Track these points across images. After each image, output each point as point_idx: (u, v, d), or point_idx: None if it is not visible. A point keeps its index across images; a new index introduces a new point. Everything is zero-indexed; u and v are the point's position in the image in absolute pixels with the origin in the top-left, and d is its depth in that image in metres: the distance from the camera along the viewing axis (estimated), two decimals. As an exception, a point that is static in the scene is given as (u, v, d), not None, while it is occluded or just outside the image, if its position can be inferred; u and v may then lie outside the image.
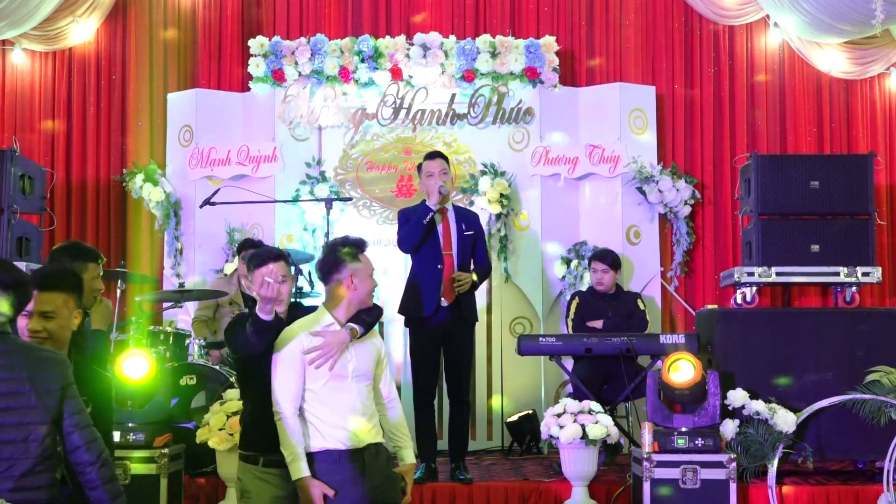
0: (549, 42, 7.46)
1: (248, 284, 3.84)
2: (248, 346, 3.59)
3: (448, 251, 5.47)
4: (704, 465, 5.07)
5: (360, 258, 3.69)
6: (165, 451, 4.95)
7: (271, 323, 3.54)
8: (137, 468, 4.90)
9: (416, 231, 5.43)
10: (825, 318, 5.92)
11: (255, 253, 3.81)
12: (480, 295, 6.32)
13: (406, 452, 3.88)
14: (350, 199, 7.19)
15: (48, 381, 2.86)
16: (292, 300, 3.91)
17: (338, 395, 3.59)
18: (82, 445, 2.92)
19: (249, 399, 3.82)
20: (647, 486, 5.05)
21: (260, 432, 3.66)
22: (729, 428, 5.29)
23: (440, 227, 5.51)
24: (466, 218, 5.66)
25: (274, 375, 3.59)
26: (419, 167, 5.67)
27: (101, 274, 3.93)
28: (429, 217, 5.42)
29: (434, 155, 5.64)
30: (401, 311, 5.67)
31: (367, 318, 3.71)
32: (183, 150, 7.56)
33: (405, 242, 5.55)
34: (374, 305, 3.81)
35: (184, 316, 6.98)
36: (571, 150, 7.38)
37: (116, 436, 4.80)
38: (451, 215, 5.59)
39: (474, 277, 5.51)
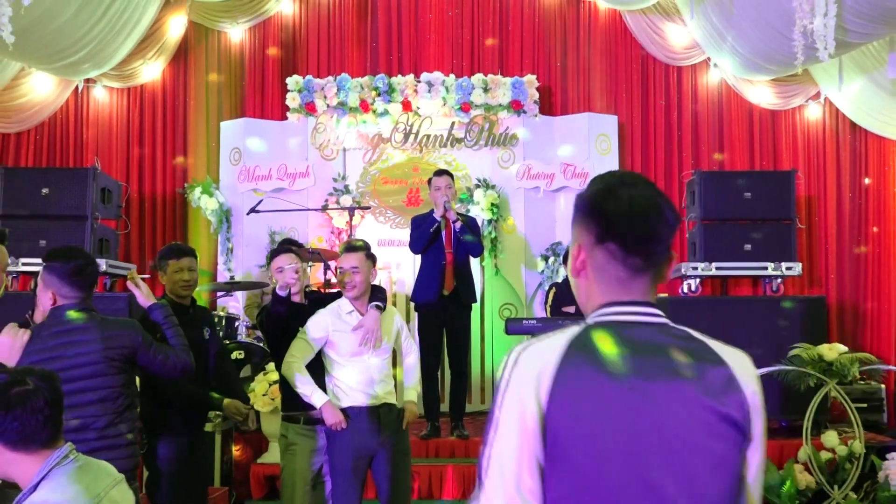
0: (531, 79, 7.48)
1: (270, 274, 3.98)
2: (270, 317, 3.72)
3: (449, 250, 5.49)
4: (657, 423, 5.08)
5: (343, 256, 3.77)
6: (220, 412, 4.96)
7: (284, 297, 3.66)
8: (197, 426, 4.92)
9: (423, 238, 5.44)
10: (756, 305, 5.93)
11: (272, 251, 4.00)
12: (476, 286, 6.33)
13: (407, 392, 3.94)
14: (369, 207, 7.20)
15: (117, 348, 2.89)
16: (316, 291, 3.98)
17: (360, 364, 3.65)
18: (163, 364, 3.05)
19: (282, 375, 3.85)
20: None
21: (299, 397, 3.69)
22: (677, 393, 5.29)
23: (443, 231, 5.51)
24: (465, 221, 5.65)
25: (295, 340, 3.66)
26: (429, 181, 5.64)
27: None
28: (434, 227, 5.41)
29: (441, 172, 5.62)
30: (412, 299, 5.69)
31: (380, 296, 3.77)
32: (233, 167, 7.57)
33: (415, 245, 5.55)
34: (380, 288, 3.86)
35: (234, 303, 6.99)
36: (549, 167, 7.39)
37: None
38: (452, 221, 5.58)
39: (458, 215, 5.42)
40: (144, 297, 3.28)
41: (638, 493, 1.29)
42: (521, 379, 1.34)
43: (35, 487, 1.93)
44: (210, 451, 3.92)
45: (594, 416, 1.30)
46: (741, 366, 1.46)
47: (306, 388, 3.59)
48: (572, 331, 1.40)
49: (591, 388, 1.32)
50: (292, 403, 3.78)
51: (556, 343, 1.37)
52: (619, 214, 1.40)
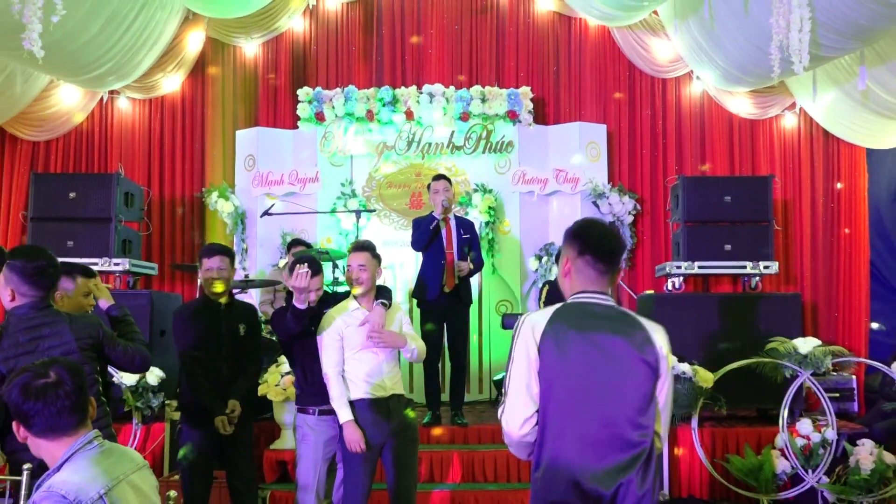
0: (525, 91, 7.48)
1: (287, 277, 3.88)
2: (287, 329, 3.63)
3: (450, 250, 5.48)
4: (643, 412, 5.07)
5: (351, 255, 3.73)
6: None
7: (305, 310, 3.57)
8: (214, 415, 4.89)
9: (424, 235, 5.44)
10: (735, 301, 5.92)
11: (293, 261, 3.82)
12: (474, 284, 6.33)
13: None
14: (374, 210, 7.20)
15: (86, 338, 2.89)
16: (326, 289, 3.93)
17: (368, 358, 3.63)
18: (123, 356, 3.03)
19: (298, 369, 3.83)
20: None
21: (310, 392, 3.68)
22: (662, 384, 5.28)
23: (443, 232, 5.52)
24: (464, 225, 5.66)
25: (321, 350, 3.63)
26: (428, 186, 5.67)
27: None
28: (434, 224, 5.43)
29: (439, 177, 5.65)
30: (413, 296, 5.68)
31: (385, 294, 3.75)
32: (247, 173, 7.57)
33: (417, 243, 5.56)
34: (385, 288, 3.84)
35: (248, 300, 6.98)
36: (542, 173, 7.39)
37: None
38: (452, 223, 5.59)
39: (471, 266, 5.49)
40: (106, 299, 3.27)
41: (585, 391, 2.15)
42: (526, 331, 2.24)
43: (58, 469, 1.93)
44: (245, 442, 3.86)
45: (563, 351, 2.18)
46: (655, 332, 2.25)
47: (336, 402, 3.57)
48: (558, 305, 2.28)
49: (562, 335, 2.20)
50: (305, 398, 3.77)
51: (547, 311, 2.26)
52: (593, 238, 2.27)
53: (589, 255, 2.24)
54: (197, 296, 6.62)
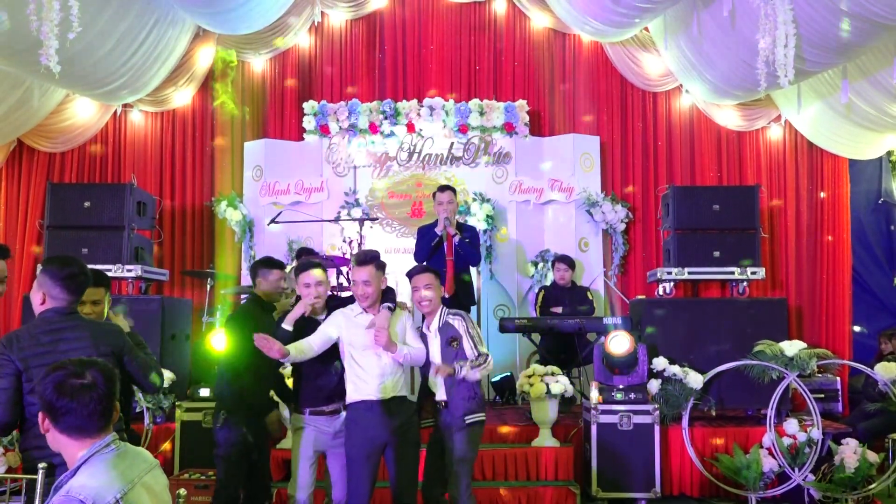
0: (521, 104, 7.49)
1: (292, 286, 3.91)
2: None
3: (450, 257, 5.45)
4: (636, 412, 5.07)
5: (355, 269, 3.69)
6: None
7: (290, 333, 3.59)
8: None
9: (425, 251, 5.41)
10: (724, 305, 5.92)
11: (300, 264, 3.81)
12: (473, 289, 6.31)
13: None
14: (377, 219, 7.20)
15: (106, 346, 2.87)
16: (330, 293, 3.91)
17: (371, 360, 3.61)
18: (139, 372, 3.00)
19: (295, 371, 3.84)
20: (594, 428, 5.06)
21: (304, 392, 3.70)
22: (653, 385, 5.28)
23: (444, 243, 5.48)
24: (466, 230, 5.61)
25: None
26: (434, 195, 5.62)
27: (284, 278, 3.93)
28: (435, 241, 5.39)
29: (444, 188, 5.58)
30: (413, 300, 5.66)
31: (390, 296, 3.72)
32: (255, 183, 7.57)
33: (418, 256, 5.51)
34: (390, 290, 3.80)
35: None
36: (538, 183, 7.39)
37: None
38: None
39: (460, 234, 5.38)
40: (126, 327, 3.29)
41: None
42: (471, 319, 3.90)
43: (75, 472, 1.92)
44: (267, 448, 3.97)
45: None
46: None
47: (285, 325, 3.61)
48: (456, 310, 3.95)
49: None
50: (300, 398, 3.78)
51: (460, 313, 3.91)
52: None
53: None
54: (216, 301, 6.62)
